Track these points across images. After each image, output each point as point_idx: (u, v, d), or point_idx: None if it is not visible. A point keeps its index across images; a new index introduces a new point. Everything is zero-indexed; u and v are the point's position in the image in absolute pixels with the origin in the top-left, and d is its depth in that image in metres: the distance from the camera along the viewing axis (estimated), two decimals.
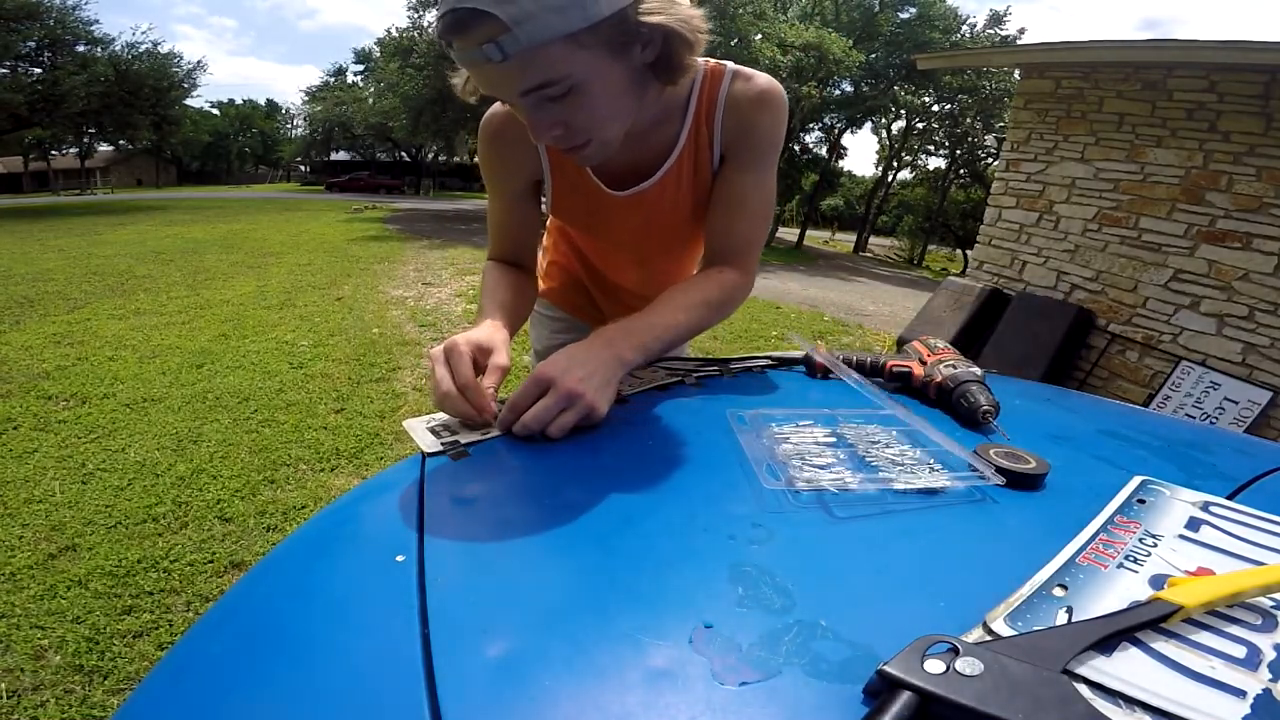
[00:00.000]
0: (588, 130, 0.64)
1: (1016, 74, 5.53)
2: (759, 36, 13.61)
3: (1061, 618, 0.32)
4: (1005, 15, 20.12)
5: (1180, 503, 0.44)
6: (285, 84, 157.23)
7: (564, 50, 0.56)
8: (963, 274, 5.71)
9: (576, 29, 0.55)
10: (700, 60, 0.77)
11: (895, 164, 24.56)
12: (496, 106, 0.81)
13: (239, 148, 55.93)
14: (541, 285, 1.21)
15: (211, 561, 1.84)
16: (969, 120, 20.06)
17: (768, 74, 0.77)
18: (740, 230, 0.82)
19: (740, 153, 0.79)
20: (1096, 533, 0.41)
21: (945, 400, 0.66)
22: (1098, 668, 0.28)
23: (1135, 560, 0.37)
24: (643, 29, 0.60)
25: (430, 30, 15.69)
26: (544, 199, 0.90)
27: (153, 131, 20.75)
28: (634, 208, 0.85)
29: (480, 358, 0.62)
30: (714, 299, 0.78)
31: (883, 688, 0.27)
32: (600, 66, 0.60)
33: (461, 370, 0.58)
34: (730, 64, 0.78)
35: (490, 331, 0.68)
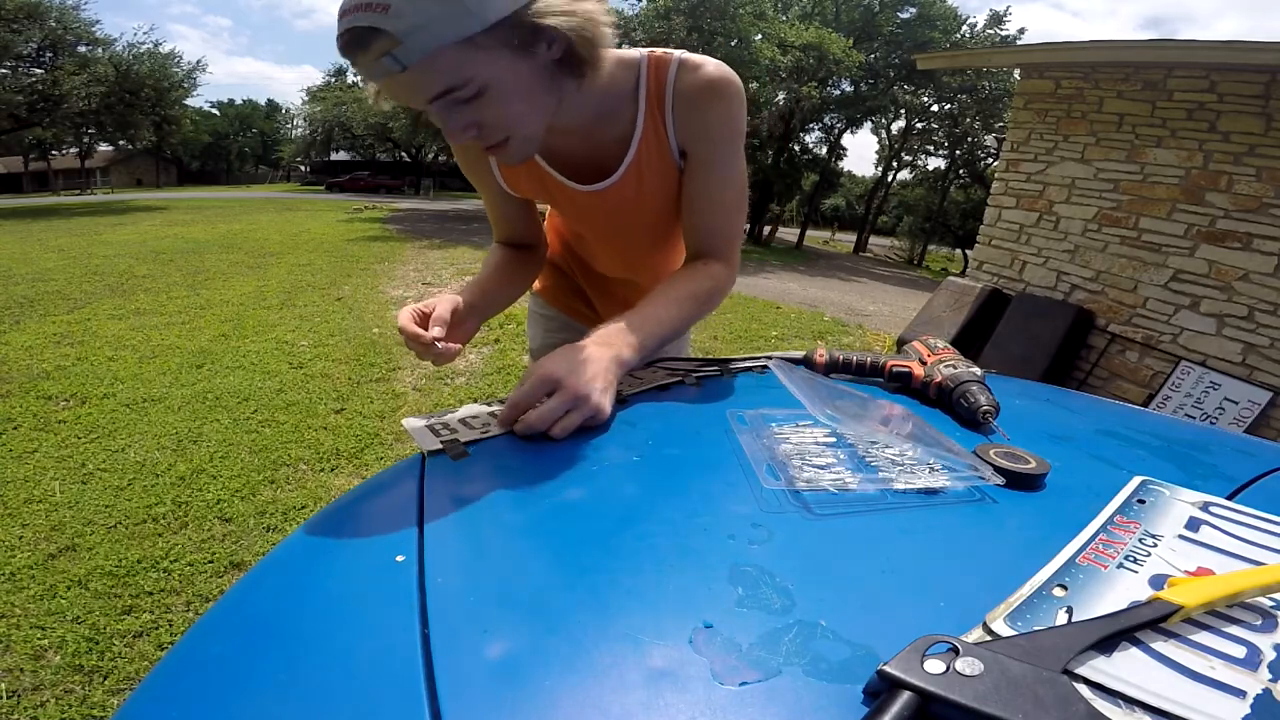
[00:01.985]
0: (503, 128, 0.65)
1: (1016, 74, 5.53)
2: (759, 36, 13.61)
3: (1061, 618, 0.32)
4: (1005, 15, 20.15)
5: (1180, 503, 0.44)
6: (284, 84, 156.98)
7: (461, 54, 0.57)
8: (963, 274, 5.71)
9: (469, 34, 0.56)
10: (639, 52, 0.76)
11: (895, 164, 24.60)
12: None
13: (239, 148, 55.96)
14: (537, 284, 1.21)
15: (211, 561, 1.84)
16: (969, 120, 20.08)
17: (719, 62, 0.75)
18: (715, 226, 0.83)
19: (699, 147, 0.78)
20: (1096, 533, 0.41)
21: (945, 400, 0.66)
22: (1098, 668, 0.28)
23: (1135, 560, 0.37)
24: (541, 28, 0.60)
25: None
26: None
27: (153, 132, 20.72)
28: (598, 204, 0.85)
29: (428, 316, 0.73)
30: (702, 292, 0.80)
31: (883, 688, 0.27)
32: (503, 66, 0.60)
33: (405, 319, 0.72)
34: (677, 53, 0.75)
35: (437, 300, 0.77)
